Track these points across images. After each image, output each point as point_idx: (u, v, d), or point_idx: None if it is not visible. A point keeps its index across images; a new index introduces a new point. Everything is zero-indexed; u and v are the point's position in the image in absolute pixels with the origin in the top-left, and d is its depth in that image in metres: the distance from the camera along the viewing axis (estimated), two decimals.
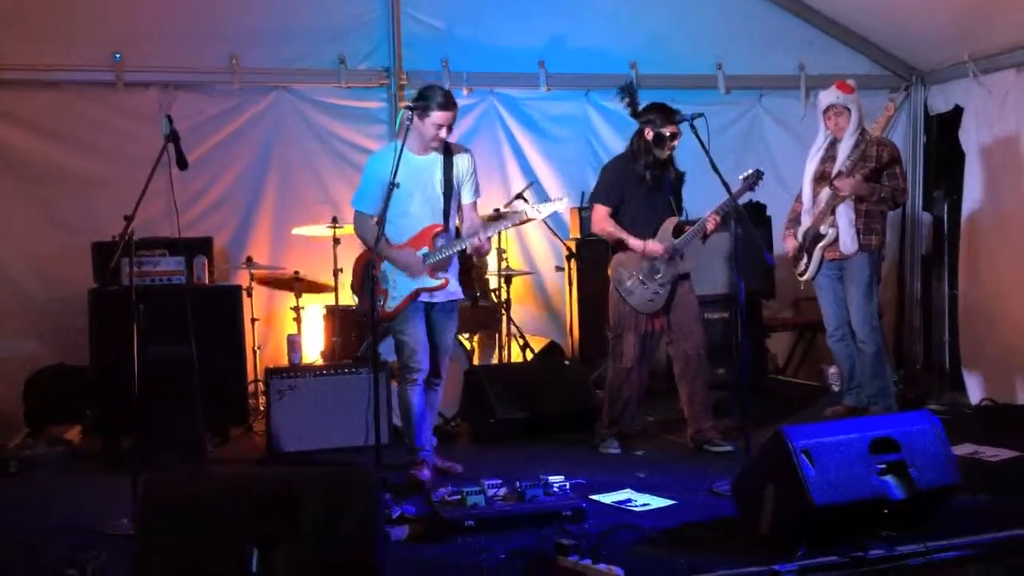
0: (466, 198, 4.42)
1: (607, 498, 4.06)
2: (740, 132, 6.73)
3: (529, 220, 4.45)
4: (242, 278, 5.73)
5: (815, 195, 5.30)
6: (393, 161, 4.12)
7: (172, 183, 4.20)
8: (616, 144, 6.61)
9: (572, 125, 6.58)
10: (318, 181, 6.14)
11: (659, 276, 4.76)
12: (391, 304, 4.32)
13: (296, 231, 5.76)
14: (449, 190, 4.31)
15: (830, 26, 6.69)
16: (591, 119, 6.60)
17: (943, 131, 6.71)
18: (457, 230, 4.43)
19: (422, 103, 4.19)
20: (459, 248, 4.34)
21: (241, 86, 5.93)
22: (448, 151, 4.34)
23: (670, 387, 5.08)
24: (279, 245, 6.02)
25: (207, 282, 5.38)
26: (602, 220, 4.86)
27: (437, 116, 4.18)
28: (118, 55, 5.71)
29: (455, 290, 4.42)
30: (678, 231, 4.79)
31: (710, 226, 4.74)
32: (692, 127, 4.39)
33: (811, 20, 6.67)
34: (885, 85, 6.80)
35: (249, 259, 5.69)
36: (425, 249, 4.29)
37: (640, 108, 4.81)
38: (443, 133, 4.23)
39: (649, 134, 4.75)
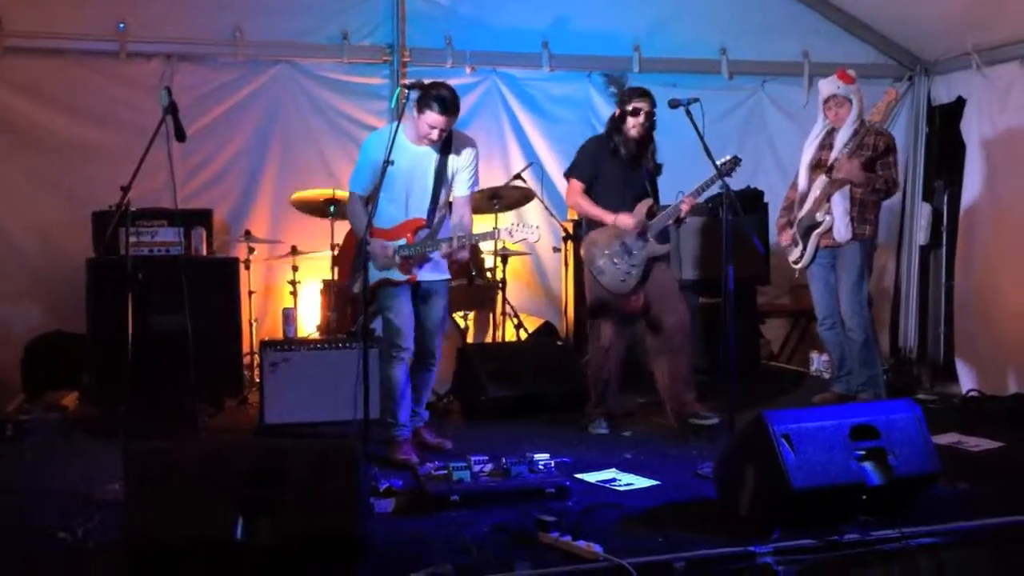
0: (459, 190, 4.37)
1: (592, 477, 4.12)
2: (742, 118, 6.75)
3: (497, 238, 4.31)
4: (241, 251, 5.78)
5: (811, 183, 5.32)
6: (388, 139, 4.11)
7: (171, 155, 4.23)
8: None
9: (574, 106, 6.60)
10: (320, 156, 6.18)
11: (631, 257, 4.78)
12: (358, 287, 4.30)
13: (297, 196, 5.76)
14: (439, 185, 4.28)
15: (835, 13, 6.68)
16: (593, 101, 6.61)
17: (945, 122, 6.71)
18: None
19: (422, 98, 4.14)
20: (434, 250, 4.28)
21: (244, 58, 5.96)
22: (448, 144, 4.29)
23: (647, 369, 5.15)
24: (278, 219, 6.07)
25: (205, 254, 5.43)
26: (575, 194, 4.91)
27: (429, 117, 4.13)
28: (122, 24, 5.75)
29: (439, 271, 4.38)
30: (652, 216, 4.81)
31: (684, 207, 4.76)
32: (688, 112, 4.42)
33: (816, 7, 6.67)
34: (889, 74, 6.81)
35: (248, 232, 5.74)
36: (403, 241, 4.27)
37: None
38: (434, 135, 4.17)
39: (617, 111, 4.83)
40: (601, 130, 6.49)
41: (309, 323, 5.92)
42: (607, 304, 4.86)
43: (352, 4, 6.15)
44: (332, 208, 5.57)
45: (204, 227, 5.47)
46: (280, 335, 5.54)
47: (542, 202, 6.14)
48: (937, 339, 6.67)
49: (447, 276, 4.47)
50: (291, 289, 5.72)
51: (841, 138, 5.19)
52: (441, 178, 4.29)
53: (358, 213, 4.30)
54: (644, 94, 4.81)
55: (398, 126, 4.15)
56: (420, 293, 4.40)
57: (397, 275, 4.32)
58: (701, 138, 4.44)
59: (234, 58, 5.95)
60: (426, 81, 4.24)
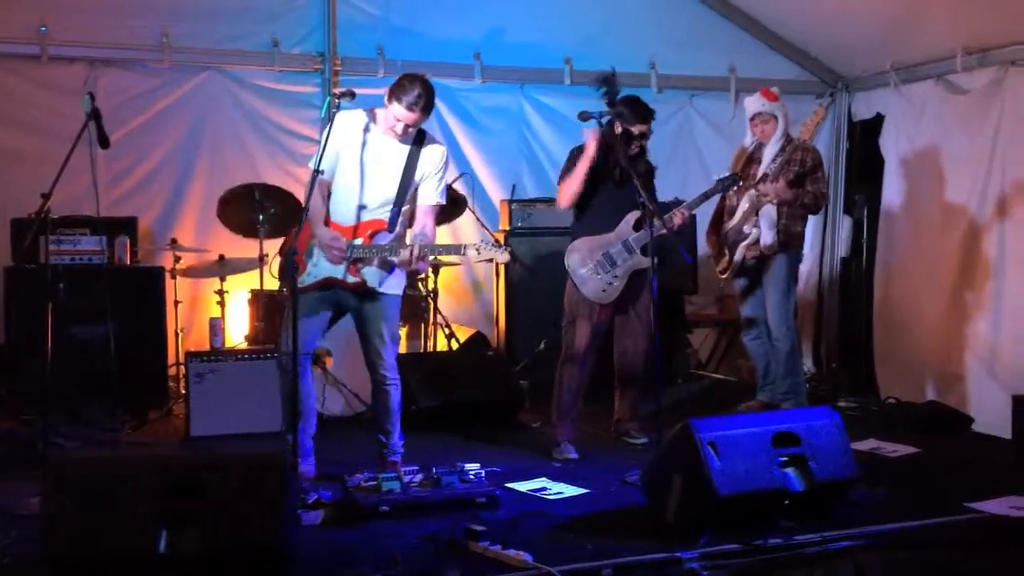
0: (424, 198, 4.12)
1: (522, 486, 4.15)
2: (671, 131, 6.86)
3: (463, 254, 4.05)
4: (167, 260, 5.68)
5: (739, 196, 5.45)
6: (347, 134, 3.95)
7: (94, 161, 4.14)
8: (550, 139, 6.71)
9: (506, 118, 6.63)
10: (250, 164, 6.08)
11: (615, 268, 4.72)
12: (304, 280, 4.10)
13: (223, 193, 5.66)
14: (405, 186, 4.07)
15: (760, 31, 6.84)
16: (526, 113, 6.66)
17: (865, 137, 6.92)
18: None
19: (394, 88, 3.97)
20: (386, 256, 4.06)
21: (171, 64, 5.85)
22: (420, 144, 4.08)
23: (597, 379, 5.16)
24: (206, 229, 5.95)
25: (129, 262, 5.33)
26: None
27: (396, 110, 3.93)
28: (44, 28, 5.60)
29: (383, 282, 4.12)
30: (639, 226, 4.78)
31: (676, 221, 4.76)
32: (600, 125, 4.48)
33: (742, 24, 6.81)
34: (812, 90, 6.99)
35: (173, 240, 5.65)
36: (359, 240, 4.06)
37: (617, 99, 4.75)
38: (398, 129, 3.96)
39: (619, 128, 4.72)
40: (532, 141, 6.66)
41: (237, 333, 5.84)
42: (583, 312, 4.76)
43: (283, 11, 6.09)
44: (260, 217, 5.49)
45: (128, 235, 5.37)
46: (207, 345, 5.45)
47: (473, 213, 6.16)
48: (857, 348, 6.85)
49: (380, 287, 4.13)
50: (219, 299, 5.64)
51: (768, 154, 5.33)
52: (408, 179, 4.08)
53: (314, 196, 3.98)
54: (647, 115, 4.74)
55: (331, 127, 3.99)
56: (359, 301, 4.15)
57: (347, 276, 4.08)
58: (617, 152, 4.50)
59: (160, 64, 5.84)
60: (356, 90, 4.06)
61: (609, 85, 4.66)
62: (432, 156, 4.12)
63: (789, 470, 3.55)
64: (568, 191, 4.76)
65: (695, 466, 3.43)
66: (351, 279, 4.10)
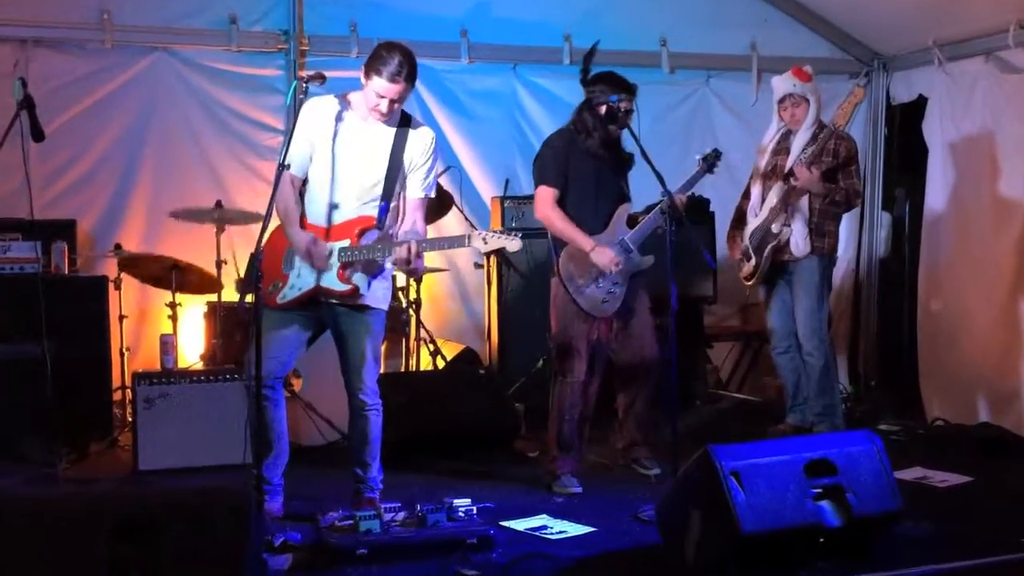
0: (413, 191, 4.12)
1: (520, 524, 4.15)
2: (685, 116, 6.89)
3: (468, 245, 3.99)
4: (110, 268, 5.66)
5: (765, 191, 5.46)
6: (319, 122, 3.93)
7: (26, 156, 4.13)
8: (547, 124, 6.68)
9: (498, 103, 6.65)
10: (203, 159, 6.10)
11: (614, 273, 4.65)
12: (287, 294, 4.09)
13: (174, 213, 5.69)
14: (394, 174, 4.04)
15: (785, 3, 6.87)
16: (519, 96, 6.68)
17: (906, 123, 6.95)
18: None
19: (371, 60, 3.92)
20: (379, 255, 4.02)
21: (113, 45, 5.85)
22: (405, 130, 4.06)
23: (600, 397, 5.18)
24: (154, 231, 5.96)
25: (67, 271, 5.31)
26: (547, 205, 4.70)
27: (377, 84, 3.90)
28: None
29: (371, 295, 4.10)
30: (632, 222, 4.77)
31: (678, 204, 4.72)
32: (616, 109, 4.49)
33: None
34: (844, 70, 7.02)
35: (118, 246, 5.64)
36: (346, 242, 4.03)
37: (590, 76, 4.74)
38: (383, 107, 3.93)
39: (601, 108, 4.68)
40: (527, 128, 6.66)
41: (191, 352, 5.83)
42: (580, 329, 4.69)
43: None
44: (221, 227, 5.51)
45: (66, 240, 5.35)
46: (157, 366, 5.44)
47: (461, 211, 6.17)
48: (899, 363, 6.87)
49: (366, 301, 4.10)
50: (170, 313, 5.63)
51: (799, 142, 5.34)
52: (396, 168, 4.05)
53: (282, 195, 3.99)
54: (629, 88, 4.69)
55: (297, 115, 3.99)
56: (338, 315, 4.13)
57: (335, 283, 4.03)
58: (636, 140, 4.51)
59: (101, 44, 5.84)
60: (327, 73, 4.04)
61: (585, 61, 4.68)
62: (420, 141, 4.11)
63: (824, 503, 3.54)
64: (545, 219, 4.73)
65: (716, 500, 3.42)
66: (341, 287, 4.06)
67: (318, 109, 4.08)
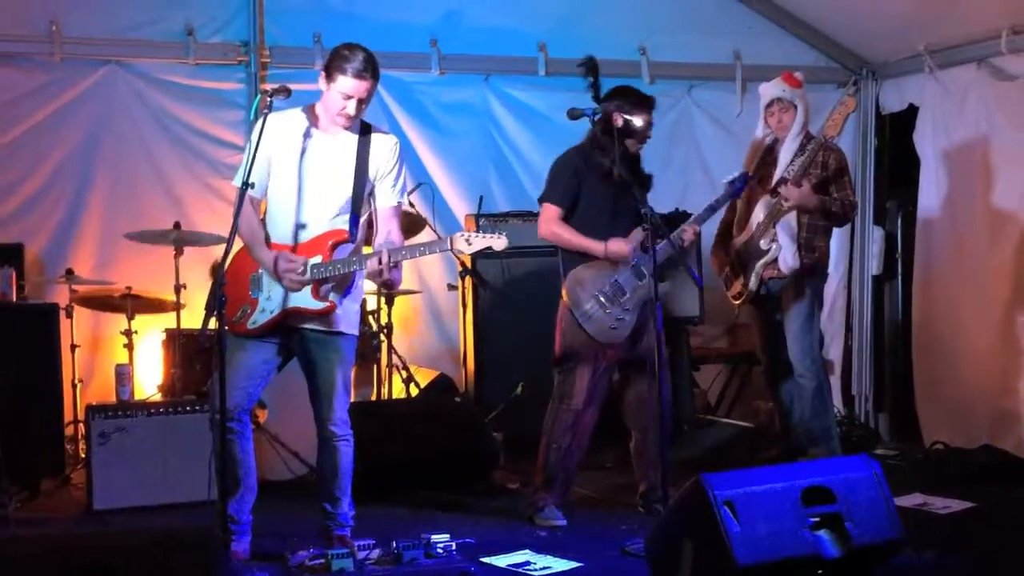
0: (384, 199, 4.14)
1: (501, 560, 4.13)
2: (666, 129, 6.91)
3: (450, 249, 4.06)
4: (60, 295, 5.62)
5: (752, 204, 5.49)
6: (252, 146, 3.91)
7: None
8: (523, 140, 6.77)
9: (470, 115, 6.68)
10: (160, 178, 6.08)
11: (625, 298, 4.71)
12: (257, 319, 4.06)
13: (129, 235, 5.67)
14: (361, 184, 4.06)
15: (770, 9, 6.93)
16: (493, 109, 6.72)
17: (896, 133, 7.03)
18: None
19: (332, 61, 3.98)
20: (353, 268, 4.03)
21: (63, 58, 5.83)
22: (366, 137, 4.10)
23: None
24: (108, 256, 5.94)
25: (14, 299, 5.27)
26: (552, 222, 4.79)
27: (343, 84, 3.94)
28: None
29: (343, 319, 4.10)
30: (646, 249, 4.71)
31: (688, 237, 4.79)
32: (594, 121, 4.51)
33: (748, 2, 6.90)
34: (831, 79, 7.09)
35: (69, 271, 5.60)
36: (318, 258, 4.02)
37: (603, 91, 4.78)
38: (351, 109, 3.97)
39: (619, 120, 4.69)
40: (501, 142, 6.70)
41: (148, 383, 5.79)
42: (585, 356, 4.73)
43: None
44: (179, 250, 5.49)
45: (13, 266, 5.32)
46: (112, 398, 5.40)
47: (434, 230, 6.16)
48: (894, 384, 6.91)
49: (340, 328, 4.11)
50: (125, 341, 5.59)
51: (786, 152, 5.37)
52: (363, 178, 4.07)
53: (243, 216, 3.97)
54: (648, 102, 4.80)
55: (262, 130, 3.97)
56: (308, 341, 4.12)
57: (310, 302, 4.01)
58: (613, 152, 4.54)
59: (50, 58, 5.82)
60: (291, 86, 4.06)
61: (594, 73, 4.70)
62: (383, 147, 4.14)
63: (822, 533, 3.55)
64: (551, 236, 4.83)
65: (710, 531, 3.43)
66: (317, 304, 4.04)
67: (276, 126, 4.07)
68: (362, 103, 4.02)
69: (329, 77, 3.99)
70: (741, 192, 5.01)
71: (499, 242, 3.99)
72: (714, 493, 3.46)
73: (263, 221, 4.17)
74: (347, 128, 4.08)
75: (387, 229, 4.15)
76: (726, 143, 6.84)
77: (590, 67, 4.74)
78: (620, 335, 4.73)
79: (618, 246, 4.70)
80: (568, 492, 4.83)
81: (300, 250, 4.06)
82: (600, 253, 4.72)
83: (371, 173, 4.11)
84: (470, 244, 3.98)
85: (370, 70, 3.98)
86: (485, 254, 6.09)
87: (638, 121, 4.74)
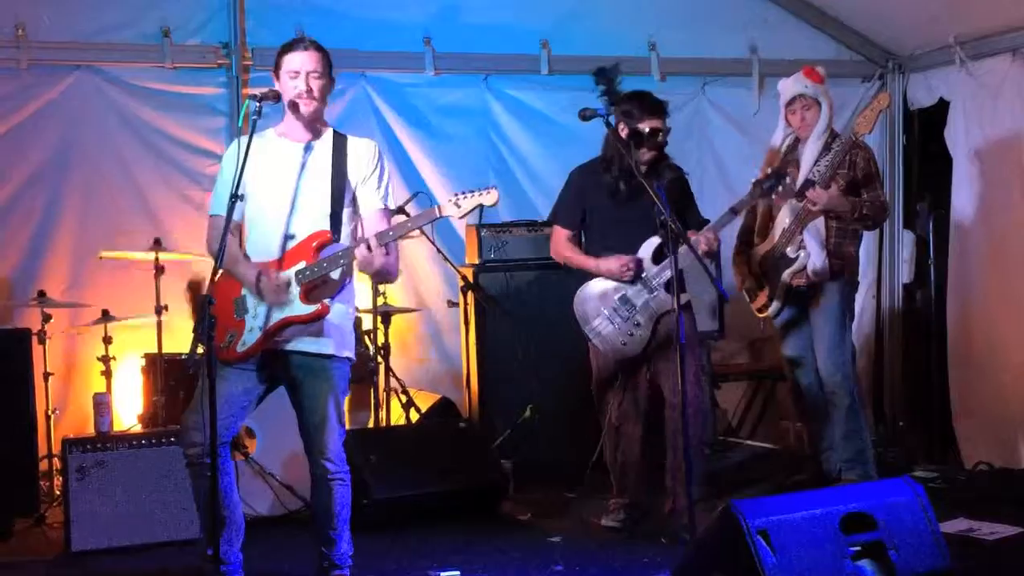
0: (369, 202, 4.14)
1: None
2: (680, 128, 6.75)
3: (440, 218, 4.06)
4: (31, 319, 5.61)
5: (775, 208, 5.49)
6: (238, 154, 3.89)
7: None
8: (525, 144, 6.79)
9: (468, 118, 6.70)
10: (136, 191, 6.08)
11: (635, 312, 4.84)
12: (247, 340, 4.02)
13: (105, 255, 5.66)
14: (340, 188, 4.08)
15: (788, 0, 6.97)
16: (492, 110, 6.74)
17: (926, 130, 7.04)
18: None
19: (276, 60, 4.08)
20: (341, 263, 4.00)
21: (30, 64, 5.83)
22: (341, 144, 4.14)
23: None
24: (81, 275, 5.93)
25: None
26: (559, 244, 5.11)
27: (290, 61, 4.04)
28: None
29: (334, 336, 4.06)
30: (660, 256, 4.83)
31: (702, 246, 4.80)
32: (608, 125, 4.54)
33: None
34: (855, 73, 7.13)
35: (41, 293, 5.59)
36: (302, 264, 4.01)
37: (618, 94, 4.94)
38: (300, 84, 4.01)
39: (623, 130, 4.82)
40: (501, 146, 6.71)
41: (127, 413, 5.78)
42: (608, 373, 5.01)
43: None
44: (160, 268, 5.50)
45: None
46: (87, 430, 5.38)
47: (433, 243, 6.17)
48: (929, 401, 6.90)
49: (330, 350, 4.06)
50: (103, 368, 5.58)
51: (810, 152, 5.37)
52: (341, 180, 4.09)
53: (219, 241, 3.93)
54: (658, 108, 4.90)
55: (251, 140, 3.95)
56: (293, 367, 4.09)
57: (300, 307, 3.98)
58: (630, 157, 4.55)
59: (16, 64, 5.81)
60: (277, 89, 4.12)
61: (608, 79, 4.76)
62: (361, 151, 4.17)
63: (864, 563, 3.57)
64: (559, 259, 5.11)
65: (742, 563, 3.43)
66: (308, 309, 4.01)
67: (243, 147, 4.03)
68: (318, 78, 4.06)
69: (276, 67, 4.10)
70: (771, 194, 4.99)
71: (489, 196, 3.97)
72: (747, 521, 3.47)
73: (240, 239, 4.19)
74: (317, 129, 4.13)
75: (377, 230, 4.12)
76: (742, 143, 6.88)
77: (604, 71, 4.81)
78: (632, 350, 4.88)
79: (608, 264, 4.90)
80: (639, 494, 5.11)
81: (285, 260, 4.05)
82: (592, 269, 4.94)
83: (351, 177, 4.13)
84: (459, 206, 3.96)
85: (308, 41, 4.09)
86: (488, 266, 6.21)
87: (644, 127, 4.82)
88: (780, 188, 4.99)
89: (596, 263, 4.94)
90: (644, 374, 5.01)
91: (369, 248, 3.93)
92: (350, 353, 4.17)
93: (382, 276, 4.20)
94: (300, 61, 4.03)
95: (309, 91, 4.04)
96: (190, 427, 3.98)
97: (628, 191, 4.82)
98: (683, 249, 4.57)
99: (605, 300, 4.91)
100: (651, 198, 4.44)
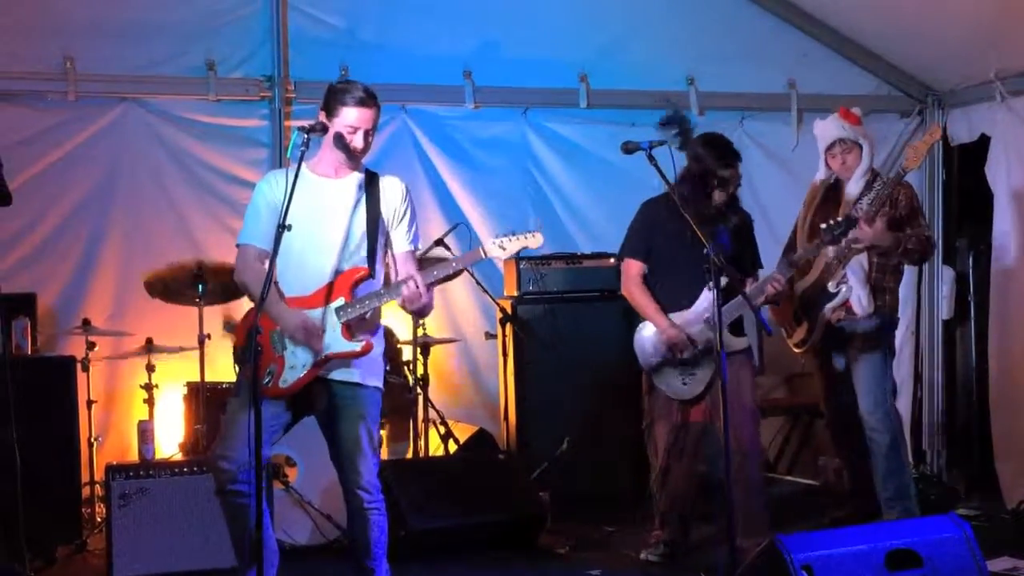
0: (399, 244, 4.23)
1: None
2: None
3: (484, 259, 4.16)
4: (76, 347, 5.69)
5: (812, 244, 5.49)
6: (286, 185, 3.92)
7: None
8: (563, 175, 6.84)
9: (507, 151, 6.77)
10: (179, 221, 6.17)
11: (696, 353, 4.94)
12: (289, 377, 4.05)
13: (152, 275, 5.72)
14: (375, 225, 4.14)
15: (827, 35, 6.99)
16: (531, 143, 6.80)
17: (966, 166, 7.03)
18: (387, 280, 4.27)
19: (331, 96, 4.09)
20: (384, 300, 4.09)
21: (77, 96, 5.93)
22: (373, 182, 4.20)
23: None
24: (126, 304, 6.00)
25: (29, 352, 5.35)
26: (628, 280, 5.17)
27: (348, 116, 4.06)
28: None
29: (365, 367, 4.10)
30: (727, 295, 4.81)
31: (771, 289, 4.88)
32: (651, 159, 4.56)
33: (804, 27, 6.96)
34: (894, 108, 7.14)
35: (86, 322, 5.67)
36: (341, 300, 4.06)
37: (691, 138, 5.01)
38: (358, 141, 4.08)
39: (695, 169, 4.96)
40: (540, 179, 6.75)
41: (167, 441, 5.83)
42: (662, 409, 5.10)
43: (219, 25, 6.20)
44: (200, 287, 5.54)
45: (28, 317, 5.38)
46: (133, 457, 5.44)
47: (472, 276, 6.22)
48: (970, 438, 6.87)
49: (360, 379, 4.10)
50: (145, 396, 5.65)
51: (851, 192, 5.39)
52: (375, 214, 4.15)
53: (251, 273, 4.06)
54: (734, 154, 5.06)
55: (299, 168, 4.01)
56: (332, 394, 4.11)
57: (344, 344, 4.03)
58: (673, 192, 4.60)
59: (64, 96, 5.92)
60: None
61: (681, 125, 4.86)
62: (394, 191, 4.23)
63: None
64: (628, 296, 5.19)
65: None
66: (353, 346, 4.06)
67: (275, 182, 4.14)
68: (368, 135, 4.12)
69: (331, 113, 4.09)
70: (841, 240, 5.02)
71: (535, 240, 4.07)
72: (791, 556, 3.47)
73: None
74: (354, 169, 4.18)
75: (407, 271, 4.21)
76: (781, 178, 6.88)
77: (677, 118, 4.93)
78: (692, 391, 4.97)
79: (670, 335, 4.96)
80: (682, 532, 5.18)
81: (321, 295, 4.08)
82: (658, 328, 5.01)
83: (385, 218, 4.19)
84: (504, 248, 4.05)
85: (371, 98, 4.10)
86: (527, 299, 6.25)
87: (725, 173, 4.98)
88: (849, 235, 5.01)
89: (665, 323, 4.98)
90: (694, 417, 5.04)
91: (416, 286, 4.01)
92: (378, 383, 4.19)
93: (420, 313, 4.29)
94: (359, 118, 4.07)
95: (366, 148, 4.13)
96: (218, 456, 4.02)
97: (690, 236, 4.75)
98: (738, 299, 4.72)
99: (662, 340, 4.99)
100: (721, 240, 4.55)
